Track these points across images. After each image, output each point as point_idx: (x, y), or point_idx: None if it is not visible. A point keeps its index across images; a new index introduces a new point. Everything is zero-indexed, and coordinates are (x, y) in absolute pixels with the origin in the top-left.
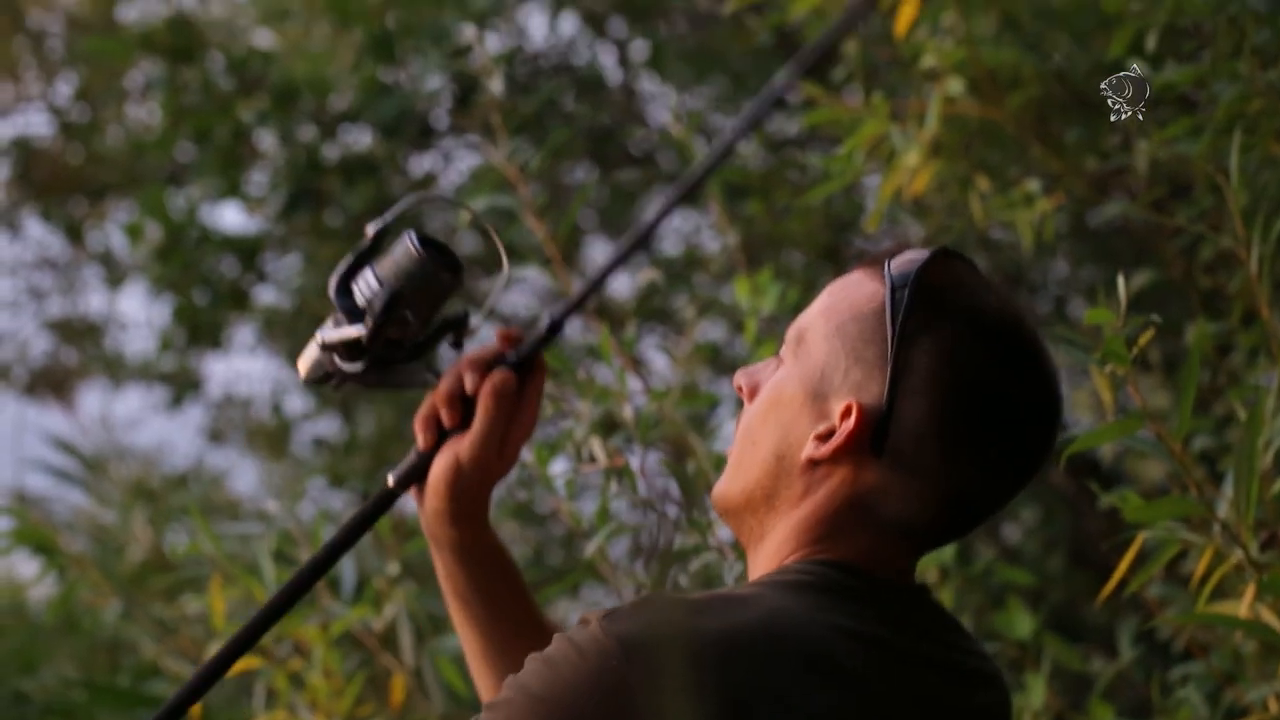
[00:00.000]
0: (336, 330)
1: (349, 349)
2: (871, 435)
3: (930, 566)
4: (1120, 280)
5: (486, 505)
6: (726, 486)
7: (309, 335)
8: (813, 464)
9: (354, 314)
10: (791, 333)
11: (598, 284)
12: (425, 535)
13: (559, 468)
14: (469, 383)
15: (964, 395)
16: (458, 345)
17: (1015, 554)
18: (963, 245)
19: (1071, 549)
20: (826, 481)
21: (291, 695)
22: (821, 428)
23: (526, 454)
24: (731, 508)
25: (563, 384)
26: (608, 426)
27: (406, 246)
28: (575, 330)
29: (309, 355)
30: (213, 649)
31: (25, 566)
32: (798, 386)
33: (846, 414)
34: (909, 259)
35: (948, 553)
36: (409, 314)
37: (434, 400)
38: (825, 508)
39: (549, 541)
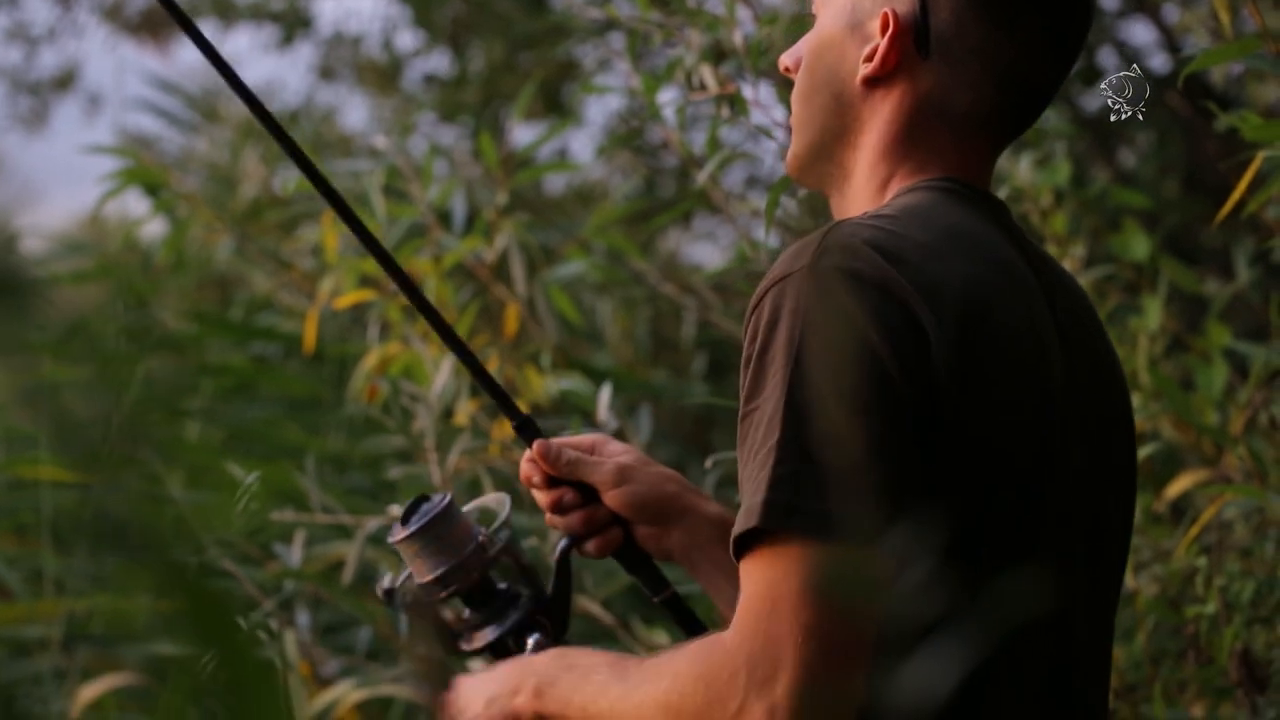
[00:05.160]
0: (471, 631)
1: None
2: (915, 38)
3: (1046, 190)
4: None
5: (685, 483)
6: (795, 148)
7: None
8: (869, 86)
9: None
10: None
11: None
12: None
13: (668, 96)
14: (537, 476)
15: None
16: (521, 566)
17: (1131, 178)
18: None
19: (1187, 173)
20: (889, 97)
21: (405, 327)
22: (867, 49)
23: (635, 82)
24: (806, 163)
25: (672, 12)
26: (717, 54)
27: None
28: None
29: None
30: (325, 282)
31: (138, 207)
32: (833, 27)
33: (885, 24)
34: None
35: (1063, 175)
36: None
37: (551, 512)
38: (898, 121)
39: (661, 172)
